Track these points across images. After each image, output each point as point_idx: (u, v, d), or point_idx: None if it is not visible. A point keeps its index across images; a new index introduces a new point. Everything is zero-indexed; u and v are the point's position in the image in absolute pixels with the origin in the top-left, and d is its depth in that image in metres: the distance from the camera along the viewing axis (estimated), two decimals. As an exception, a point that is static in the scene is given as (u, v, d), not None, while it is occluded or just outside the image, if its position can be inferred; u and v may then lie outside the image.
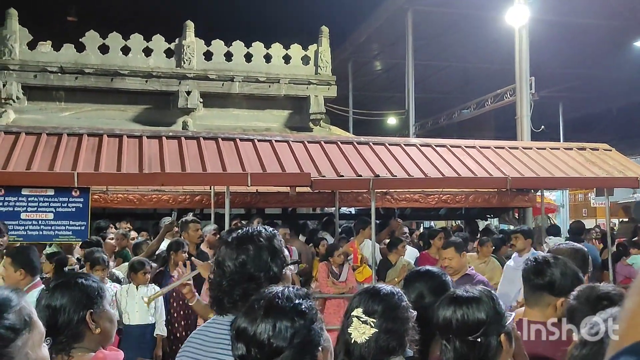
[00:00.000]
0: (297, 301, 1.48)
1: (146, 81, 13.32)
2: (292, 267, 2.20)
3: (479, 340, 1.90)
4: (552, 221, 14.79)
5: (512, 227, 10.93)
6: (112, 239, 7.58)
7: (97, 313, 2.04)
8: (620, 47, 19.72)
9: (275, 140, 7.95)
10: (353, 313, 2.01)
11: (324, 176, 7.19)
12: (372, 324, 1.96)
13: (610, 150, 9.44)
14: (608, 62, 20.71)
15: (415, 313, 2.06)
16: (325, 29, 14.38)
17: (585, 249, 3.43)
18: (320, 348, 1.46)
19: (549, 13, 14.90)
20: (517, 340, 2.07)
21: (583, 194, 22.48)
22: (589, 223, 13.34)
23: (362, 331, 1.96)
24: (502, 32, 14.15)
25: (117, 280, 6.22)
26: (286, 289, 1.52)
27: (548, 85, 18.68)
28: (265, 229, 2.11)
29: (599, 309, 1.98)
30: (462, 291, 2.05)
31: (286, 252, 2.13)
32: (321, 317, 1.53)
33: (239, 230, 2.11)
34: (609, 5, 16.68)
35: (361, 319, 1.98)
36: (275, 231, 2.14)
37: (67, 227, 6.55)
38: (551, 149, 9.23)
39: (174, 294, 6.16)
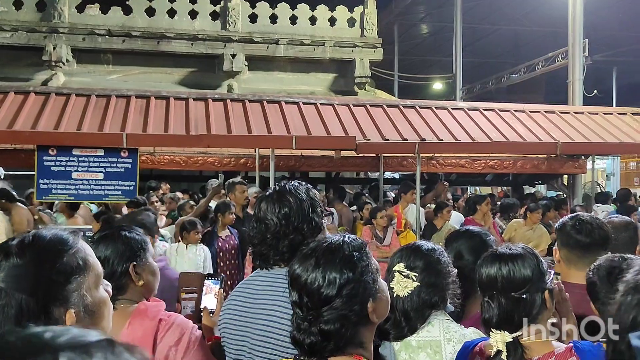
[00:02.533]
0: (347, 252, 1.49)
1: (192, 44, 13.38)
2: (325, 219, 2.21)
3: (524, 297, 1.88)
4: (601, 189, 14.39)
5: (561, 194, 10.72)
6: (155, 200, 7.69)
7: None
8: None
9: (320, 104, 7.91)
10: (395, 268, 2.04)
11: (369, 139, 7.13)
12: (414, 277, 2.00)
13: (667, 116, 9.09)
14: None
15: (455, 270, 2.08)
16: (371, -10, 14.10)
17: (637, 223, 3.30)
18: (370, 299, 1.47)
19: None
20: (564, 302, 2.03)
21: (635, 162, 21.78)
22: (640, 192, 12.95)
23: (404, 285, 2.01)
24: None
25: (163, 238, 6.33)
26: (341, 239, 1.53)
27: (602, 49, 18.00)
28: (300, 183, 2.12)
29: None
30: (504, 248, 2.01)
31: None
32: (376, 267, 1.53)
33: (276, 186, 2.13)
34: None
35: (403, 274, 2.02)
36: (309, 185, 2.16)
37: (116, 187, 6.68)
38: (604, 114, 8.94)
39: (221, 253, 6.26)
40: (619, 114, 8.91)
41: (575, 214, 2.68)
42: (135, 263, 2.04)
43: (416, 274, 2.01)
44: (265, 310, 1.90)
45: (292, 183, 2.11)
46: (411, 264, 2.03)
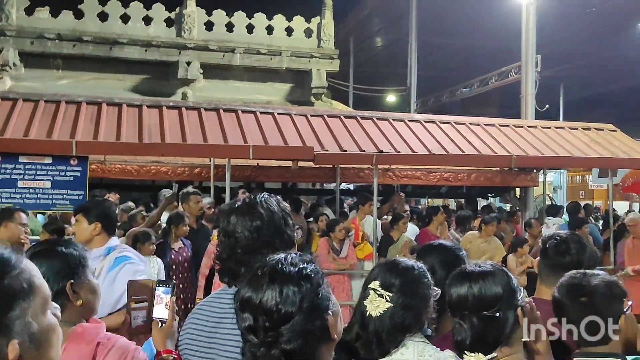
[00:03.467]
0: (302, 265, 1.43)
1: (145, 50, 13.13)
2: (298, 232, 2.12)
3: (497, 315, 1.83)
4: (552, 201, 14.71)
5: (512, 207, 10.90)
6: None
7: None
8: (624, 27, 19.50)
9: (278, 113, 7.81)
10: (370, 285, 1.94)
11: (326, 150, 7.06)
12: (387, 297, 1.88)
13: (616, 131, 9.34)
14: (612, 43, 20.50)
15: (438, 291, 1.97)
16: (328, 2, 14.16)
17: (583, 236, 3.34)
18: (329, 312, 1.41)
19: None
20: (536, 320, 1.98)
21: (581, 175, 22.44)
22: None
23: (376, 305, 1.89)
24: (506, 9, 13.94)
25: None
26: (289, 255, 1.47)
27: (550, 65, 18.50)
28: (270, 195, 2.04)
29: (580, 304, 1.97)
30: (473, 266, 1.97)
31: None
32: (327, 281, 1.48)
33: (245, 198, 2.03)
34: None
35: (377, 292, 1.91)
36: (279, 197, 2.07)
37: (64, 196, 6.42)
38: (556, 128, 9.12)
39: (174, 266, 6.08)
40: (570, 128, 9.11)
41: (557, 232, 2.68)
42: (72, 281, 1.89)
43: (390, 294, 1.89)
44: (236, 331, 1.79)
45: (263, 195, 2.01)
46: (387, 281, 1.91)
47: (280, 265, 1.42)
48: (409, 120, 8.37)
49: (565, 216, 10.45)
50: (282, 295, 1.36)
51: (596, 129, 9.26)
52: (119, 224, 7.38)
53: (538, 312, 1.97)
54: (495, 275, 1.90)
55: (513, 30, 12.66)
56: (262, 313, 1.36)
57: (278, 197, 2.04)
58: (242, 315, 1.40)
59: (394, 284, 1.90)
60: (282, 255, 1.47)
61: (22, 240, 4.39)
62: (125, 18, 13.21)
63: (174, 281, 2.22)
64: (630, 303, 1.98)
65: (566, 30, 18.55)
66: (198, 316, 1.96)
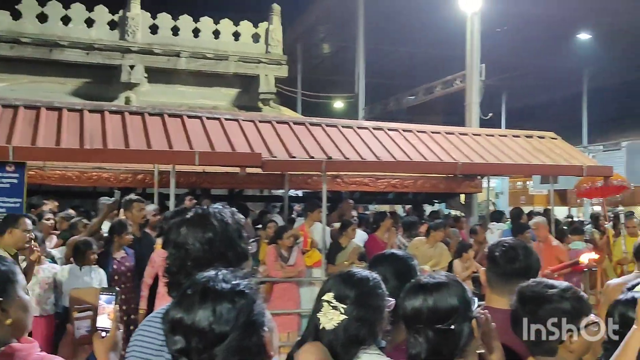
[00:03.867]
0: (234, 281, 1.36)
1: (87, 53, 12.76)
2: (253, 245, 2.05)
3: (452, 327, 1.79)
4: (495, 207, 15.05)
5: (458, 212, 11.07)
6: (48, 219, 7.16)
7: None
8: (563, 38, 20.20)
9: (225, 119, 7.69)
10: (324, 297, 1.89)
11: (275, 157, 6.98)
12: (342, 310, 1.84)
13: (556, 139, 9.61)
14: (551, 53, 21.20)
15: (393, 302, 1.93)
16: (277, 7, 14.10)
17: (525, 242, 3.40)
18: (265, 328, 1.35)
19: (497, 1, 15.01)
20: (490, 332, 1.96)
21: (522, 181, 23.06)
22: (527, 210, 13.62)
23: (330, 317, 1.85)
24: (452, 18, 14.19)
25: (53, 260, 5.88)
26: (221, 272, 1.40)
27: (493, 74, 18.97)
28: (224, 206, 1.97)
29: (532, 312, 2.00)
30: (428, 278, 1.93)
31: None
32: (262, 296, 1.42)
33: (197, 209, 1.95)
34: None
35: (331, 304, 1.86)
36: (234, 209, 2.00)
37: (0, 204, 6.14)
38: (500, 135, 9.32)
39: (116, 276, 5.89)
40: (513, 136, 9.32)
41: (502, 239, 2.68)
42: (1, 299, 1.76)
43: (345, 306, 1.84)
44: None
45: (215, 206, 1.94)
46: (341, 293, 1.87)
47: (211, 283, 1.35)
48: (358, 127, 8.39)
49: (509, 221, 10.68)
50: (215, 314, 1.29)
51: (538, 136, 9.51)
52: (58, 232, 7.13)
53: (493, 322, 1.96)
54: (450, 287, 1.87)
55: (458, 39, 12.90)
56: (195, 334, 1.29)
57: (233, 209, 1.97)
58: (173, 337, 1.32)
59: (348, 296, 1.86)
60: (212, 272, 1.40)
61: (27, 246, 4.57)
62: (66, 20, 12.80)
63: (117, 288, 2.10)
64: (476, 301, 1.96)
65: (504, 42, 19.04)
66: (145, 335, 1.87)
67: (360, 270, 1.99)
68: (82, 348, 1.93)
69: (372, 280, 1.93)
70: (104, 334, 1.89)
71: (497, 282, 2.54)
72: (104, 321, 1.93)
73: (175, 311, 1.33)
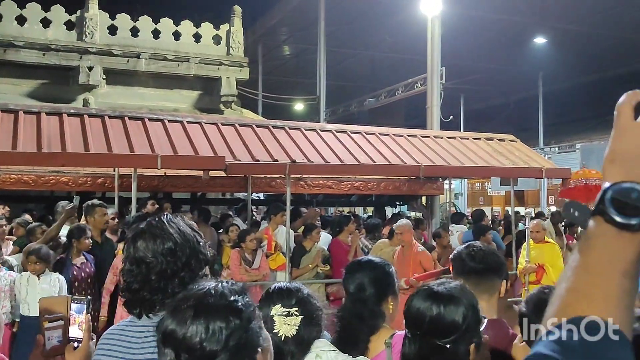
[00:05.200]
0: (231, 298, 1.30)
1: (43, 54, 12.45)
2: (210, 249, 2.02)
3: (447, 346, 1.73)
4: (457, 209, 15.24)
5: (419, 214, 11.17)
6: (1, 225, 6.92)
7: None
8: (519, 42, 20.60)
9: (187, 122, 7.59)
10: (272, 313, 1.92)
11: (238, 160, 6.93)
12: (296, 313, 1.92)
13: (516, 141, 9.79)
14: (508, 57, 21.61)
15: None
16: (238, 9, 14.02)
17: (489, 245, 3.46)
18: (259, 349, 1.30)
19: (455, 5, 15.22)
20: (483, 346, 1.87)
21: (480, 183, 23.50)
22: (486, 211, 13.86)
23: (291, 323, 1.90)
24: (413, 21, 14.34)
25: (10, 267, 5.70)
26: (219, 284, 1.34)
27: (451, 77, 19.24)
28: (174, 214, 1.93)
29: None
30: (441, 286, 1.86)
31: None
32: (259, 315, 1.37)
33: (150, 220, 1.87)
34: (511, 1, 17.33)
35: (284, 314, 1.92)
36: (183, 215, 2.01)
37: (-48, 209, 5.94)
38: (461, 138, 9.44)
39: (76, 283, 5.75)
40: (474, 138, 9.45)
41: (469, 242, 2.69)
42: None
43: (297, 308, 1.93)
44: None
45: (165, 215, 1.87)
46: (285, 302, 1.94)
47: (208, 297, 1.30)
48: (321, 130, 8.40)
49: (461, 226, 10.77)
50: (207, 331, 1.23)
51: (498, 139, 9.66)
52: (14, 239, 6.92)
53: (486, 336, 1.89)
54: (460, 303, 1.78)
55: (418, 42, 13.02)
56: (185, 350, 1.23)
57: (181, 214, 1.93)
58: (164, 349, 1.27)
59: (293, 302, 1.95)
60: (211, 284, 1.34)
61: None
62: (21, 20, 12.48)
63: (89, 297, 2.04)
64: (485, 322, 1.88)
65: (463, 45, 19.33)
66: (106, 353, 1.81)
67: (284, 283, 2.09)
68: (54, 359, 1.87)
69: (301, 287, 2.04)
70: (76, 344, 1.84)
71: (467, 284, 2.56)
72: (75, 331, 1.87)
73: (169, 322, 1.28)
